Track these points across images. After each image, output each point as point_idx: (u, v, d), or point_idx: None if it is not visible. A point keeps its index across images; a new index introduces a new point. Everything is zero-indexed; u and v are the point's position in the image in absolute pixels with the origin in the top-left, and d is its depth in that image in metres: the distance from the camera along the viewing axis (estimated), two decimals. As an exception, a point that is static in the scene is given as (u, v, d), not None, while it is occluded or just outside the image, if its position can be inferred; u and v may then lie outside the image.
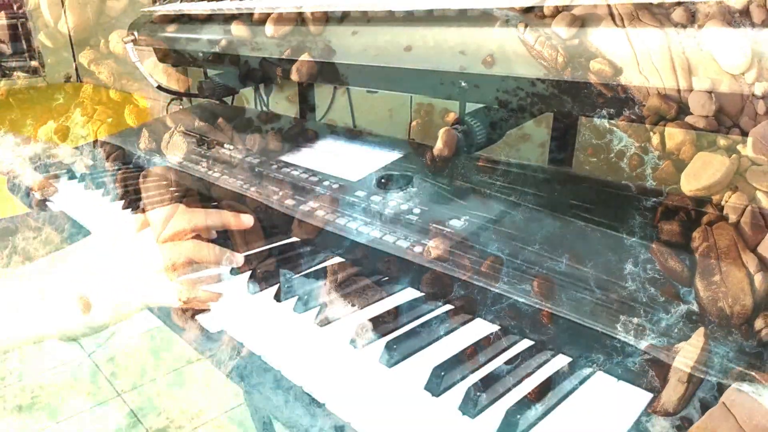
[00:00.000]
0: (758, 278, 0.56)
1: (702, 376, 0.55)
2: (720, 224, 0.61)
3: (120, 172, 1.20)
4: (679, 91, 0.71)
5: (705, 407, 0.54)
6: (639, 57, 0.73)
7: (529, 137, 0.88)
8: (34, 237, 1.05)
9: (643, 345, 0.58)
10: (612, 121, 0.76)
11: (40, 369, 2.19)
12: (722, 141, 0.67)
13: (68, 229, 1.10)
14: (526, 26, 0.82)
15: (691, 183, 0.65)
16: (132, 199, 1.10)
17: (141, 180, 1.11)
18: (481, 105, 0.88)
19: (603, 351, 0.63)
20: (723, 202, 0.63)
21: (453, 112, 0.86)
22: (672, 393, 0.55)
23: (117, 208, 1.11)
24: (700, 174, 0.65)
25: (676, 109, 0.71)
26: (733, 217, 0.61)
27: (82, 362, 2.27)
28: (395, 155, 0.94)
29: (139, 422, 1.96)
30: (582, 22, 0.77)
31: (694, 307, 0.59)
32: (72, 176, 1.32)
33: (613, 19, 0.76)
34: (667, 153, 0.70)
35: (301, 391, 0.66)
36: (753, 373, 0.53)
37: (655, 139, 0.71)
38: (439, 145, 0.83)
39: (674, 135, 0.69)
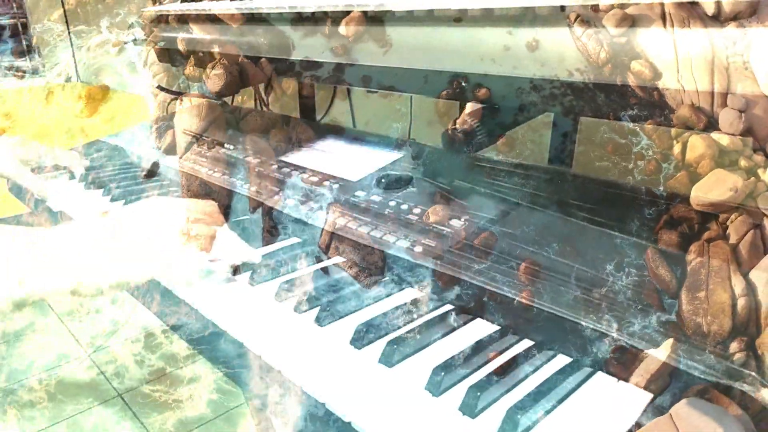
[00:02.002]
0: (741, 302, 0.55)
1: (662, 386, 0.55)
2: (718, 242, 0.60)
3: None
4: (712, 104, 0.69)
5: (660, 414, 0.54)
6: (680, 64, 0.72)
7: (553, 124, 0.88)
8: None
9: (611, 345, 0.58)
10: (638, 124, 0.75)
11: (39, 369, 2.19)
12: (743, 162, 0.65)
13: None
14: (577, 17, 0.81)
15: (700, 197, 0.64)
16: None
17: (179, 102, 1.13)
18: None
19: (575, 344, 0.63)
20: (728, 222, 0.62)
21: (486, 88, 0.86)
22: (629, 396, 0.55)
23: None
24: (712, 189, 0.63)
25: (705, 122, 0.69)
26: (733, 239, 0.60)
27: (82, 362, 2.25)
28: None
29: (139, 422, 1.98)
30: (632, 21, 0.76)
31: (673, 318, 0.59)
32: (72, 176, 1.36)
33: (663, 23, 0.74)
34: (685, 164, 0.69)
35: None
36: (712, 392, 0.53)
37: (677, 148, 0.70)
38: (463, 117, 0.83)
39: (696, 147, 0.68)
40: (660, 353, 0.55)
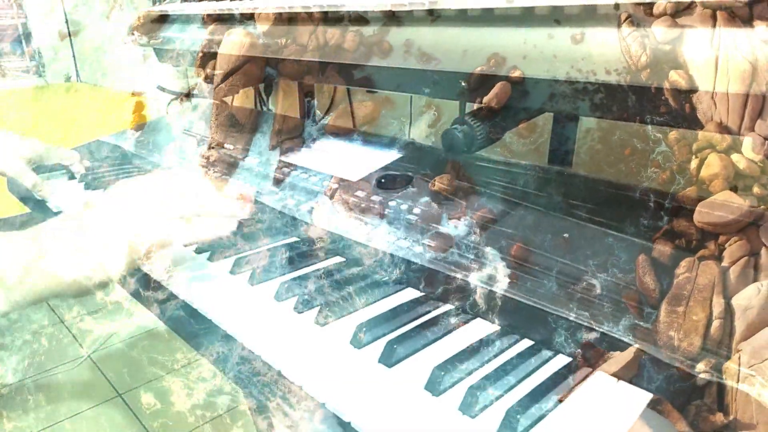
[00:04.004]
0: (716, 324, 0.55)
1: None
2: (709, 262, 0.59)
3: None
4: (740, 127, 0.68)
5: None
6: (718, 81, 0.70)
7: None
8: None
9: (580, 341, 0.58)
10: (663, 133, 0.73)
11: (39, 369, 2.20)
12: (756, 189, 0.64)
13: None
14: (627, 17, 0.80)
15: (703, 215, 0.63)
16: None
17: (225, 36, 1.15)
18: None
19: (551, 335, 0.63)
20: (727, 245, 0.61)
21: (519, 70, 0.85)
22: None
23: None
24: (717, 210, 0.62)
25: (729, 142, 0.68)
26: (726, 261, 0.59)
27: (82, 362, 2.26)
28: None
29: (139, 422, 1.98)
30: (681, 30, 0.74)
31: (647, 326, 0.58)
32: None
33: (711, 38, 0.72)
34: (699, 180, 0.68)
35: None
36: (665, 405, 0.53)
37: (694, 163, 0.69)
38: (491, 95, 0.83)
39: (712, 165, 0.66)
40: (621, 359, 0.55)
